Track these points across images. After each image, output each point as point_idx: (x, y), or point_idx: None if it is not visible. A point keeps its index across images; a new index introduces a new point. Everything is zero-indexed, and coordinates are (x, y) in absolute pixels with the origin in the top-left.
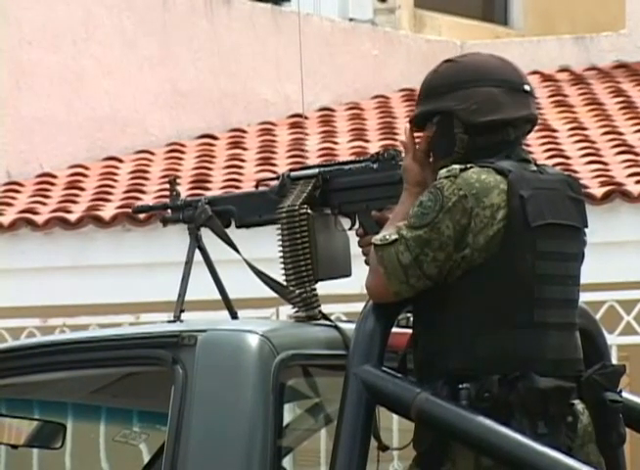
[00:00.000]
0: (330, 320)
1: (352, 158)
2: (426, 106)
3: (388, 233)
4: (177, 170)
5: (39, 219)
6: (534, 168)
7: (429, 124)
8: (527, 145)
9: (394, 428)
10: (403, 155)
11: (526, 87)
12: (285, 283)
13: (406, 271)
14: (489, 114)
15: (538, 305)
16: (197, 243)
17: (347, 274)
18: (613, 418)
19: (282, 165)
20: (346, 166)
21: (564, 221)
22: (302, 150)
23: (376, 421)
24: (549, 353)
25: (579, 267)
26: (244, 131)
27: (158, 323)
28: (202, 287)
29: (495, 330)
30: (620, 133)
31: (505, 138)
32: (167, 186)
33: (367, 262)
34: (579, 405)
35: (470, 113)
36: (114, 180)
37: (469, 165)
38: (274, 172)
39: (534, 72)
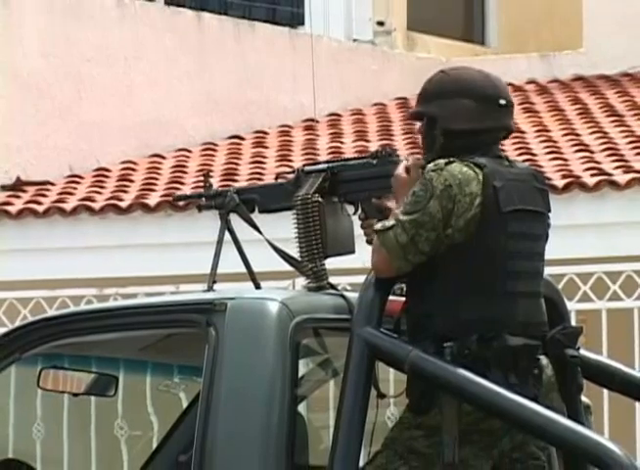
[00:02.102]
0: (337, 290)
1: (356, 155)
2: (419, 107)
3: (387, 221)
4: (210, 166)
5: (96, 206)
6: (507, 163)
7: (421, 122)
8: (501, 144)
9: (391, 379)
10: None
11: (502, 101)
12: (299, 259)
13: (404, 249)
14: (461, 123)
15: (510, 277)
16: (226, 226)
17: (352, 251)
18: (572, 371)
19: (297, 162)
20: (351, 162)
21: (531, 207)
22: (314, 149)
23: (375, 373)
24: (519, 317)
25: (544, 246)
26: (266, 133)
27: (194, 292)
28: (230, 262)
29: (474, 298)
30: (578, 134)
31: (480, 141)
32: (202, 179)
33: (368, 242)
34: (544, 360)
35: (446, 120)
36: (159, 173)
37: (452, 159)
38: (291, 167)
39: (507, 84)
